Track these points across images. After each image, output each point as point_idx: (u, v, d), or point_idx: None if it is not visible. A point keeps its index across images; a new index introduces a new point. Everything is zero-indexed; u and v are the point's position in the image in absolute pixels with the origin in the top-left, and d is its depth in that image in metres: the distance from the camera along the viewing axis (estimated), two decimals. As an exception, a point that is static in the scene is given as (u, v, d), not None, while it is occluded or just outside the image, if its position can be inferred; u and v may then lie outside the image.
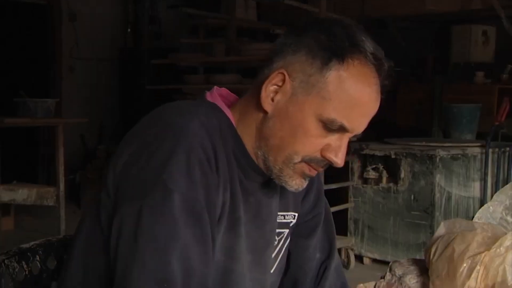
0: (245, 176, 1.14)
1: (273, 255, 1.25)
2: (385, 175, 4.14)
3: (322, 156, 1.10)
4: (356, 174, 4.30)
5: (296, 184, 1.13)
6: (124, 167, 1.05)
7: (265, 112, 1.10)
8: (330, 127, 1.07)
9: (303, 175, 1.12)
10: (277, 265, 1.26)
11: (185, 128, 1.04)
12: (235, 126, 1.13)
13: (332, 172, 1.14)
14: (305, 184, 1.14)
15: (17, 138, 6.09)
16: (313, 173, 1.13)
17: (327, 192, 1.36)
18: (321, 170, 1.15)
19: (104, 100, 6.90)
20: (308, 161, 1.10)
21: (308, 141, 1.08)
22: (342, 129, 1.08)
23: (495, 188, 4.01)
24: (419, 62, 6.27)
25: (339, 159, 1.10)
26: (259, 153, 1.13)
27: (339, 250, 4.45)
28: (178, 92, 5.20)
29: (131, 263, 0.97)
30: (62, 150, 4.38)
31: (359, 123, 1.10)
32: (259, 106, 1.11)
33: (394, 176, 4.10)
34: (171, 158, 1.00)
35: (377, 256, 4.26)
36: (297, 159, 1.10)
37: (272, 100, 1.10)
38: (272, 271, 1.25)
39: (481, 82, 5.60)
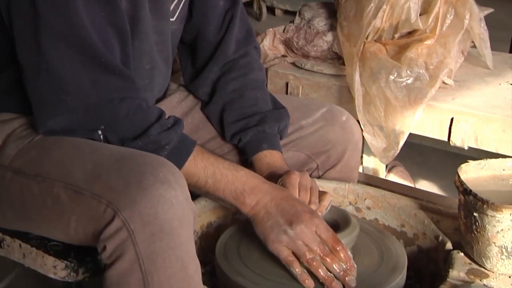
0: None
1: (175, 2, 1.21)
2: None
3: None
4: None
5: None
6: None
7: None
8: None
9: None
10: (179, 12, 1.23)
11: None
12: None
13: None
14: None
15: None
16: None
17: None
18: None
19: None
20: None
21: None
22: None
23: None
24: None
25: None
26: None
27: (251, 2, 4.43)
28: None
29: (38, 32, 0.91)
30: None
31: None
32: None
33: None
34: None
35: (288, 8, 4.29)
36: None
37: None
38: (174, 19, 1.22)
39: None
